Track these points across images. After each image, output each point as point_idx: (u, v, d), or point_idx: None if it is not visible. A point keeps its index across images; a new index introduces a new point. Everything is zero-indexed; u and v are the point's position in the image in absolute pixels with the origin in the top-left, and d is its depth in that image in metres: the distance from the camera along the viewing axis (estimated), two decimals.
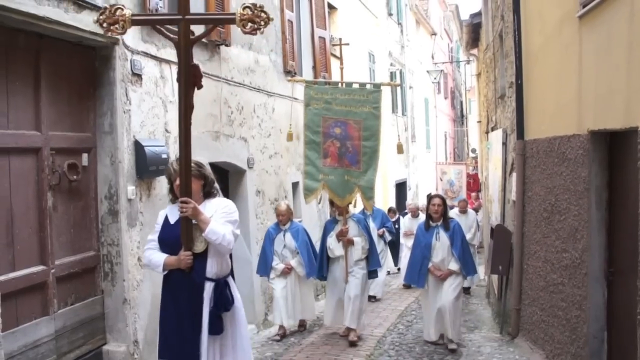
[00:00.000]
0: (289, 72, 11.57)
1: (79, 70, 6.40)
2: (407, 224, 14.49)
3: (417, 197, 24.41)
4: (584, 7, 5.89)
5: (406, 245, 13.73)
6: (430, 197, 8.74)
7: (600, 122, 5.61)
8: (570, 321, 6.48)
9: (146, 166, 6.77)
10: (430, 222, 8.48)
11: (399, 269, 15.39)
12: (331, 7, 15.01)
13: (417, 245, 8.62)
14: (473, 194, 23.99)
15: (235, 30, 9.19)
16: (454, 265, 8.27)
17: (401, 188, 23.17)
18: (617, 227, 5.71)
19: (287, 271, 9.29)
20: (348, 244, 8.75)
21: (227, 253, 4.73)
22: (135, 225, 6.77)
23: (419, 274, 8.46)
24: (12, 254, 5.46)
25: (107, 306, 6.66)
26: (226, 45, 8.87)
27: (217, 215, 4.66)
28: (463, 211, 14.86)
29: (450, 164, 31.49)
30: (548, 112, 7.47)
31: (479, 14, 16.98)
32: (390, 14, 22.17)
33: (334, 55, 14.77)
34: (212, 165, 8.78)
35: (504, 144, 10.48)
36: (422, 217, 12.88)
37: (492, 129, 13.40)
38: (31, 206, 5.74)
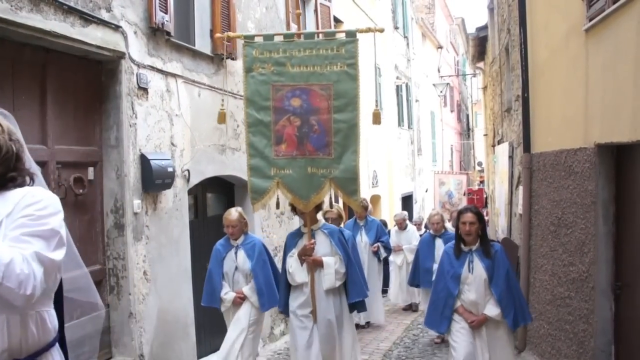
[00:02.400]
0: None
1: (85, 84, 6.42)
2: (393, 237, 12.24)
3: (423, 210, 24.39)
4: (590, 20, 5.89)
5: (396, 262, 12.16)
6: (460, 212, 6.21)
7: (607, 135, 5.59)
8: (577, 335, 6.44)
9: (152, 180, 6.77)
10: (462, 246, 6.03)
11: (385, 292, 12.99)
12: (337, 20, 15.03)
13: (440, 277, 6.20)
14: None
15: (241, 43, 9.22)
16: (491, 310, 5.84)
17: (407, 201, 23.13)
18: (624, 240, 5.68)
19: (238, 301, 6.89)
20: (314, 266, 6.40)
21: (23, 304, 2.27)
22: (141, 239, 6.77)
23: (441, 317, 6.07)
24: None
25: (112, 320, 6.64)
26: (232, 59, 8.89)
27: (10, 222, 2.37)
28: (437, 229, 12.15)
29: (450, 173, 29.96)
30: (554, 125, 7.45)
31: (485, 28, 17.04)
32: (396, 28, 22.20)
33: None
34: (218, 178, 8.80)
35: (511, 157, 10.46)
36: (411, 229, 12.31)
37: (499, 142, 13.39)
38: None
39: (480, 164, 34.65)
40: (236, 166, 9.12)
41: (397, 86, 22.18)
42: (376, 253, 10.68)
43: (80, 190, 6.24)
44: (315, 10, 13.18)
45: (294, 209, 6.61)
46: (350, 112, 6.26)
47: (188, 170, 7.66)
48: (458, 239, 6.07)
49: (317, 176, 6.22)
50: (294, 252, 6.52)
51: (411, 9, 25.55)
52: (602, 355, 5.90)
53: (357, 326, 9.33)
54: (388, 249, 10.99)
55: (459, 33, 39.89)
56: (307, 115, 6.22)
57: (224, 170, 8.78)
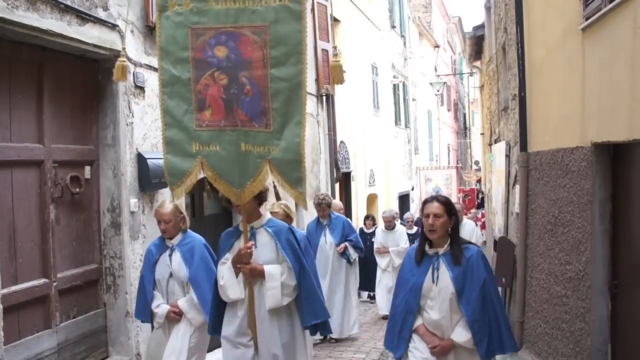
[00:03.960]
0: None
1: (82, 83, 6.42)
2: (379, 238, 11.35)
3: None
4: (587, 19, 5.89)
5: (380, 265, 11.31)
6: (424, 202, 4.70)
7: (603, 134, 5.60)
8: (574, 334, 6.45)
9: (149, 179, 6.77)
10: (426, 249, 4.57)
11: (373, 297, 12.57)
12: (334, 20, 15.04)
13: (400, 288, 4.72)
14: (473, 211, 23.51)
15: None
16: (459, 334, 4.42)
17: (404, 200, 23.15)
18: (621, 239, 5.68)
19: (173, 317, 5.52)
20: (253, 277, 4.82)
21: None
22: (137, 238, 6.77)
23: (398, 338, 4.61)
24: (14, 267, 5.46)
25: (109, 319, 6.65)
26: None
27: None
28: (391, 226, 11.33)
29: (437, 168, 27.93)
30: (551, 125, 7.46)
31: (482, 27, 17.04)
32: (393, 27, 22.21)
33: None
34: None
35: (507, 156, 10.47)
36: (399, 229, 11.46)
37: (496, 141, 13.40)
38: (34, 219, 5.74)
39: (477, 162, 34.71)
40: None
41: (394, 85, 22.20)
42: (344, 254, 9.28)
43: (77, 189, 6.23)
44: (313, 10, 13.16)
45: (227, 201, 4.91)
46: (293, 65, 4.45)
47: None
48: (422, 239, 4.57)
49: (252, 156, 4.57)
50: (228, 258, 4.93)
51: (408, 8, 25.57)
52: (599, 354, 5.91)
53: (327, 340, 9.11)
54: (359, 249, 9.49)
55: (455, 32, 39.95)
56: (236, 70, 4.53)
57: None
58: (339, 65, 4.68)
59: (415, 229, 12.32)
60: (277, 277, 4.83)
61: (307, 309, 4.95)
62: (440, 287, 4.42)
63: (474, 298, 4.34)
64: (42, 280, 5.78)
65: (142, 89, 6.91)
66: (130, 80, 6.71)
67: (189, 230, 5.78)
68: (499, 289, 10.93)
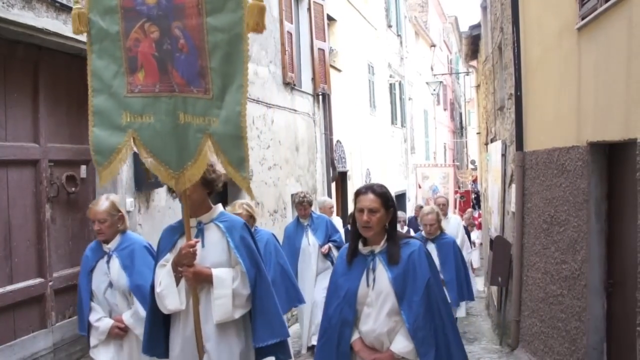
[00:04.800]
0: (288, 84, 11.58)
1: (78, 82, 6.37)
2: None
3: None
4: (583, 19, 5.90)
5: None
6: (357, 194, 3.93)
7: (599, 133, 5.61)
8: (569, 332, 6.46)
9: (144, 178, 6.75)
10: (360, 247, 3.94)
11: None
12: (330, 19, 15.05)
13: (333, 294, 3.99)
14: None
15: None
16: (399, 344, 3.76)
17: (401, 199, 23.14)
18: (617, 238, 5.69)
19: (117, 333, 4.78)
20: (197, 283, 4.00)
21: None
22: None
23: (337, 353, 3.87)
24: (9, 266, 5.44)
25: None
26: None
27: None
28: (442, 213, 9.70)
29: (434, 166, 27.55)
30: (547, 124, 7.47)
31: (478, 26, 17.05)
32: (389, 26, 22.22)
33: (333, 67, 14.82)
34: None
35: (504, 155, 10.47)
36: None
37: (492, 141, 13.41)
38: (29, 218, 5.72)
39: (473, 162, 34.73)
40: None
41: (391, 84, 22.20)
42: (328, 256, 8.58)
43: (73, 189, 6.22)
44: (309, 9, 13.19)
45: (170, 188, 4.11)
46: (232, 11, 3.61)
47: None
48: (354, 236, 3.94)
49: (192, 129, 3.74)
50: (169, 259, 4.09)
51: (404, 7, 25.58)
52: (594, 352, 5.92)
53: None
54: None
55: (452, 31, 40.00)
56: (168, 19, 3.71)
57: (217, 168, 8.75)
58: (258, 5, 3.58)
59: (405, 228, 12.31)
60: (227, 283, 3.99)
61: (262, 325, 4.08)
62: (377, 291, 3.77)
63: (416, 302, 3.70)
64: (38, 280, 5.77)
65: None
66: None
67: (129, 232, 5.03)
68: (495, 288, 11.00)
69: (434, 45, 33.08)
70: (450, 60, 42.34)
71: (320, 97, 13.62)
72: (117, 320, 4.79)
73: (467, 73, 31.40)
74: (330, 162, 13.92)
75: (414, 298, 3.72)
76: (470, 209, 20.68)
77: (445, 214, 10.01)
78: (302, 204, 8.47)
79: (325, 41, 13.85)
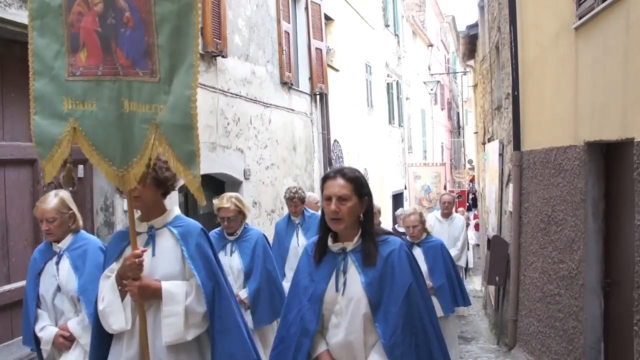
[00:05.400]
0: (285, 84, 11.58)
1: None
2: None
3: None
4: (580, 18, 5.90)
5: None
6: (325, 179, 3.33)
7: (596, 133, 5.61)
8: (567, 332, 6.46)
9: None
10: (329, 244, 3.31)
11: None
12: (328, 19, 15.04)
13: (294, 298, 3.36)
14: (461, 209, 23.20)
15: (232, 41, 9.21)
16: None
17: (398, 199, 23.14)
18: (614, 238, 5.70)
19: (62, 342, 4.23)
20: (143, 298, 3.41)
21: None
22: None
23: None
24: (7, 266, 5.44)
25: None
26: (223, 57, 8.87)
27: None
28: (446, 213, 10.04)
29: (425, 165, 26.44)
30: (544, 124, 7.47)
31: (475, 26, 17.07)
32: (386, 25, 22.22)
33: (331, 67, 14.82)
34: (208, 176, 8.79)
35: (501, 155, 10.49)
36: (383, 226, 10.47)
37: (489, 140, 13.42)
38: (26, 218, 5.71)
39: (470, 161, 34.73)
40: (227, 164, 9.11)
41: (388, 84, 22.20)
42: None
43: (70, 188, 6.21)
44: (306, 8, 13.18)
45: (117, 189, 3.60)
46: None
47: None
48: (323, 230, 3.28)
49: (137, 119, 3.23)
50: (114, 270, 3.52)
51: (402, 6, 25.57)
52: (592, 352, 5.92)
53: None
54: None
55: (449, 31, 40.00)
56: None
57: (214, 168, 8.76)
58: None
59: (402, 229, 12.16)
60: (179, 298, 3.44)
61: (221, 347, 3.49)
62: (348, 297, 3.14)
63: (394, 313, 3.07)
64: None
65: None
66: None
67: (82, 231, 4.57)
68: (492, 287, 11.00)
69: (431, 45, 33.08)
70: (447, 59, 42.35)
71: (318, 96, 13.62)
72: (63, 328, 4.24)
73: (465, 73, 31.42)
74: (328, 162, 13.92)
75: (391, 308, 3.08)
76: (461, 209, 20.40)
77: (449, 214, 9.92)
78: (292, 200, 7.59)
79: (322, 41, 13.85)
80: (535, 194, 7.64)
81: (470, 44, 18.89)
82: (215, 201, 5.61)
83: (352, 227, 3.20)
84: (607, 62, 5.29)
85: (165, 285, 3.44)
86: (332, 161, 14.23)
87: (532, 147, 7.88)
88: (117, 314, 3.44)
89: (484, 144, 15.34)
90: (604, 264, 5.87)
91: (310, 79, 13.25)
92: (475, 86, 20.92)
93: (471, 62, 21.44)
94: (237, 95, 9.52)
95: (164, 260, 3.53)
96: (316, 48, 13.43)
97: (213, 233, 5.74)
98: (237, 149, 9.55)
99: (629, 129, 4.73)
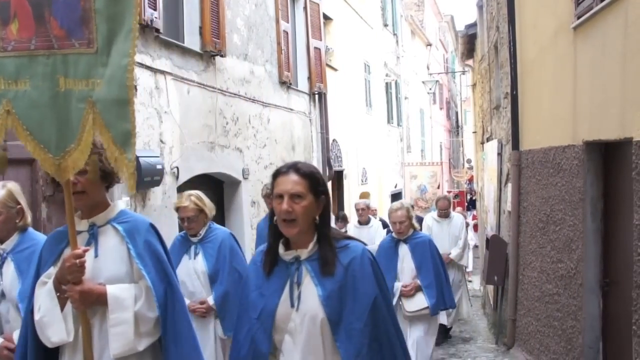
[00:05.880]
0: (284, 83, 11.58)
1: None
2: (351, 234, 9.40)
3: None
4: (578, 18, 5.91)
5: None
6: (275, 175, 2.88)
7: (595, 132, 5.61)
8: (565, 331, 6.47)
9: (141, 177, 6.73)
10: (281, 252, 2.87)
11: None
12: (326, 18, 15.04)
13: (242, 318, 2.90)
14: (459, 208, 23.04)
15: (230, 40, 9.21)
16: None
17: (397, 198, 23.13)
18: (612, 237, 5.70)
19: (7, 355, 3.65)
20: (86, 305, 3.00)
21: None
22: None
23: None
24: None
25: None
26: (221, 56, 8.86)
27: None
28: (443, 214, 9.89)
29: (421, 164, 26.23)
30: (543, 123, 7.48)
31: (474, 25, 17.07)
32: (385, 25, 22.21)
33: (329, 66, 14.82)
34: (207, 176, 8.78)
35: (499, 154, 10.49)
36: (375, 224, 10.52)
37: (488, 140, 13.42)
38: None
39: (469, 161, 34.73)
40: (225, 164, 9.10)
41: (387, 83, 22.21)
42: None
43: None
44: (305, 8, 13.17)
45: (52, 179, 3.15)
46: None
47: (177, 168, 7.64)
48: (273, 235, 2.86)
49: (74, 98, 2.88)
50: (52, 275, 3.11)
51: (400, 6, 25.57)
52: (590, 351, 5.92)
53: None
54: None
55: (448, 30, 39.95)
56: None
57: (213, 167, 8.76)
58: None
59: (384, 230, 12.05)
60: (127, 304, 3.03)
61: (176, 358, 3.13)
62: (303, 312, 2.73)
63: (359, 330, 2.69)
64: None
65: (134, 87, 6.87)
66: None
67: (30, 230, 3.98)
68: (491, 287, 11.01)
69: (430, 44, 33.07)
70: (446, 59, 42.33)
71: (317, 96, 13.61)
72: (7, 339, 3.70)
73: (463, 72, 31.40)
74: (327, 161, 13.91)
75: (354, 325, 2.69)
76: (459, 208, 20.17)
77: (447, 215, 9.85)
78: (269, 197, 6.60)
79: (321, 40, 13.84)
80: (533, 194, 7.64)
81: (469, 44, 18.89)
82: (174, 200, 5.19)
83: (306, 232, 2.79)
84: (606, 61, 5.29)
85: (111, 290, 3.04)
86: (331, 161, 14.23)
87: (531, 146, 7.88)
88: (56, 325, 3.01)
89: (482, 143, 15.35)
90: (603, 263, 5.87)
91: (309, 78, 13.25)
92: (474, 86, 20.93)
93: (470, 62, 21.43)
94: (235, 94, 9.52)
95: (109, 261, 3.13)
96: (315, 47, 13.42)
97: (178, 236, 5.56)
98: (236, 148, 9.55)
99: (627, 129, 4.73)
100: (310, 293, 2.74)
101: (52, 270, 3.12)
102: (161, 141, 7.38)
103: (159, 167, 6.97)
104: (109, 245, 3.15)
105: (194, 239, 5.39)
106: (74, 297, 2.95)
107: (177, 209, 5.35)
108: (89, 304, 3.00)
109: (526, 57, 8.21)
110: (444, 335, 9.28)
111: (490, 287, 11.11)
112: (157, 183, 7.06)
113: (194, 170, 8.15)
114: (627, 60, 4.77)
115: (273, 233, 2.84)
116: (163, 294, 3.11)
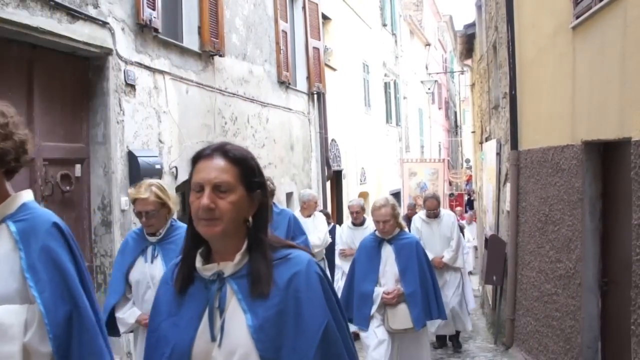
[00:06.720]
0: (283, 83, 11.58)
1: (72, 81, 6.38)
2: (344, 236, 9.09)
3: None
4: (577, 18, 5.91)
5: (342, 269, 8.68)
6: (196, 159, 2.10)
7: (593, 132, 5.62)
8: (564, 331, 6.47)
9: (139, 177, 6.73)
10: (198, 265, 2.10)
11: None
12: (325, 18, 15.04)
13: (151, 354, 2.13)
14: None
15: (229, 40, 9.21)
16: None
17: (396, 198, 23.09)
18: (611, 237, 5.70)
19: None
20: None
21: None
22: None
23: None
24: None
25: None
26: (220, 56, 8.86)
27: None
28: (432, 214, 8.95)
29: (422, 161, 25.31)
30: (542, 123, 7.48)
31: (473, 25, 17.08)
32: (384, 25, 22.21)
33: (328, 66, 14.82)
34: None
35: (498, 154, 10.49)
36: (370, 225, 8.54)
37: (486, 140, 13.42)
38: None
39: (468, 161, 34.74)
40: None
41: (385, 83, 22.21)
42: None
43: (67, 187, 6.20)
44: (304, 8, 13.18)
45: None
46: None
47: (176, 167, 7.63)
48: (190, 241, 2.15)
49: None
50: None
51: (399, 6, 25.58)
52: (589, 351, 5.93)
53: None
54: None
55: (447, 30, 39.99)
56: None
57: None
58: None
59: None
60: (13, 332, 2.32)
61: None
62: (228, 349, 1.98)
63: None
64: None
65: (132, 87, 6.88)
66: (121, 78, 6.68)
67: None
68: (490, 286, 11.01)
69: (428, 44, 33.09)
70: (445, 59, 42.35)
71: (315, 95, 13.62)
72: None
73: (462, 72, 31.45)
74: (325, 161, 13.92)
75: (294, 357, 1.95)
76: (459, 208, 20.03)
77: (437, 215, 8.87)
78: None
79: (320, 40, 13.84)
80: (532, 193, 7.64)
81: (467, 43, 18.90)
82: (131, 190, 4.30)
83: (233, 237, 2.05)
84: (605, 61, 5.29)
85: None
86: (330, 160, 14.23)
87: (530, 146, 7.88)
88: None
89: (481, 143, 15.35)
90: (601, 263, 5.88)
91: (308, 78, 13.25)
92: (472, 85, 20.94)
93: (468, 62, 21.44)
94: (234, 94, 9.52)
95: None
96: (314, 47, 13.42)
97: (131, 233, 4.73)
98: None
99: (626, 128, 4.73)
100: (237, 322, 1.99)
101: None
102: (160, 141, 7.38)
103: (157, 166, 6.98)
104: (0, 251, 2.40)
105: (152, 239, 4.45)
106: None
107: (134, 201, 4.31)
108: None
109: (525, 57, 8.22)
110: (456, 344, 9.09)
111: (489, 287, 11.11)
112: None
113: None
114: (626, 60, 4.78)
115: (189, 237, 2.13)
116: (63, 320, 2.36)
